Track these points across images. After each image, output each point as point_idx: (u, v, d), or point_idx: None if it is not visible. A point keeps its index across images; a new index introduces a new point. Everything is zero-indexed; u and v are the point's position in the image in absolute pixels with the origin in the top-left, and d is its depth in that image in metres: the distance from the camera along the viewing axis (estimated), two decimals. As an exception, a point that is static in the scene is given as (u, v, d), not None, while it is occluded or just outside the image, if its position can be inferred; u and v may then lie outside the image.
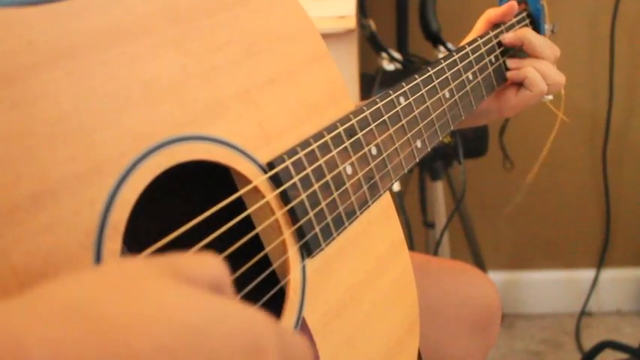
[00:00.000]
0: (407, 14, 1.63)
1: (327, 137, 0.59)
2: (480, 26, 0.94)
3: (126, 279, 0.33)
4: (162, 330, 0.32)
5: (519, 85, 0.91)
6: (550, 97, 0.94)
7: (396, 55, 1.52)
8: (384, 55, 1.52)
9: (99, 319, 0.30)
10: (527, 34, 0.90)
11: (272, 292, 0.54)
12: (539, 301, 2.08)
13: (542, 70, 0.89)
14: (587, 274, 2.03)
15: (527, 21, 0.98)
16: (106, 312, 0.31)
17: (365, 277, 0.63)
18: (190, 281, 0.35)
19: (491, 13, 0.93)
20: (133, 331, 0.31)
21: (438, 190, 1.67)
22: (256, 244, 0.54)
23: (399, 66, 1.51)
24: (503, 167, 1.72)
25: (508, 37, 0.90)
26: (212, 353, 0.33)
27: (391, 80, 1.47)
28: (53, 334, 0.29)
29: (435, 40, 1.47)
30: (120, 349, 0.30)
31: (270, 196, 0.54)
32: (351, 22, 1.12)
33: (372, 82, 1.48)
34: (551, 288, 2.08)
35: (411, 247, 1.57)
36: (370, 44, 1.54)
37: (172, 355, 0.31)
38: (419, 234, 1.76)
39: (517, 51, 0.92)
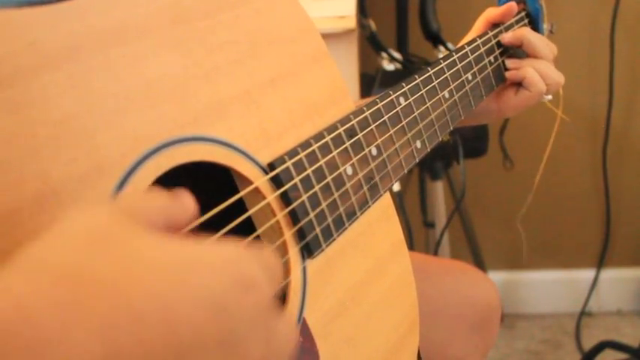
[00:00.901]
0: (407, 14, 1.63)
1: (328, 138, 0.59)
2: (479, 26, 0.94)
3: (100, 235, 0.35)
4: (152, 276, 0.33)
5: (518, 85, 0.91)
6: (549, 97, 0.94)
7: (396, 55, 1.52)
8: (384, 55, 1.52)
9: (91, 280, 0.32)
10: (526, 33, 0.90)
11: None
12: (539, 301, 2.08)
13: (541, 70, 0.89)
14: (587, 274, 2.03)
15: (526, 21, 0.98)
16: (94, 270, 0.32)
17: (365, 277, 0.64)
18: (148, 222, 0.37)
19: (491, 13, 0.93)
20: (130, 288, 0.32)
21: (438, 190, 1.67)
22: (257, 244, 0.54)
23: (399, 66, 1.51)
24: (503, 167, 1.72)
25: (507, 37, 0.91)
26: (204, 291, 0.34)
27: (391, 80, 1.47)
28: (62, 310, 0.30)
29: (435, 40, 1.47)
30: (117, 304, 0.31)
31: (271, 197, 0.54)
32: (351, 22, 1.12)
33: (372, 82, 1.48)
34: (551, 288, 2.08)
35: (411, 247, 1.57)
36: (370, 44, 1.54)
37: (167, 298, 0.33)
38: (419, 234, 1.76)
39: (516, 51, 0.92)
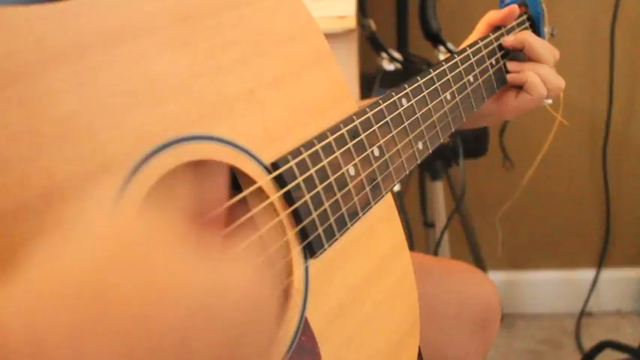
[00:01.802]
0: (407, 14, 1.63)
1: (331, 138, 0.60)
2: (480, 28, 0.95)
3: (128, 245, 0.34)
4: (177, 308, 0.32)
5: (519, 88, 0.91)
6: (549, 101, 0.94)
7: (396, 55, 1.52)
8: (384, 55, 1.52)
9: (113, 304, 0.31)
10: (527, 37, 0.90)
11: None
12: (539, 301, 2.08)
13: (543, 74, 0.89)
14: (587, 274, 2.03)
15: (528, 24, 0.98)
16: (121, 294, 0.31)
17: (367, 277, 0.64)
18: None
19: (492, 16, 0.93)
20: (151, 313, 0.31)
21: (438, 190, 1.67)
22: (260, 243, 0.54)
23: (399, 66, 1.51)
24: (503, 167, 1.72)
25: (509, 40, 0.91)
26: (222, 323, 0.34)
27: (391, 80, 1.47)
28: (68, 320, 0.29)
29: (435, 40, 1.47)
30: (138, 336, 0.30)
31: (275, 196, 0.54)
32: (351, 22, 1.12)
33: (372, 82, 1.48)
34: (551, 288, 2.08)
35: (411, 247, 1.57)
36: (370, 44, 1.54)
37: (186, 330, 0.32)
38: (419, 234, 1.76)
39: (517, 54, 0.92)
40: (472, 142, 1.53)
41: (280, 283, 0.50)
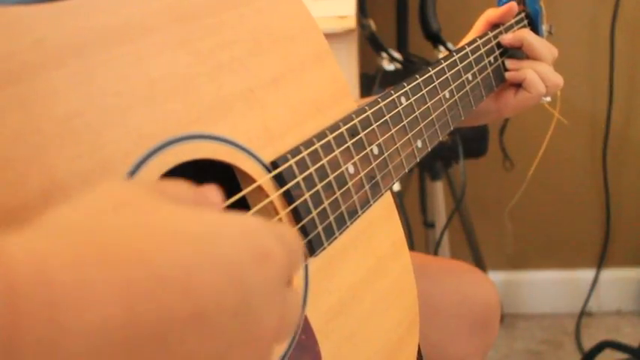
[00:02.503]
0: (407, 14, 1.63)
1: (330, 137, 0.60)
2: (479, 26, 0.95)
3: (127, 202, 0.35)
4: (175, 244, 0.33)
5: (518, 86, 0.91)
6: (548, 98, 0.94)
7: (396, 55, 1.52)
8: (384, 55, 1.52)
9: (114, 243, 0.32)
10: (526, 35, 0.90)
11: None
12: (539, 301, 2.08)
13: (541, 72, 0.89)
14: (587, 274, 2.03)
15: (526, 22, 0.98)
16: (118, 234, 0.32)
17: (366, 275, 0.64)
18: (176, 199, 0.37)
19: (491, 14, 0.93)
20: (152, 254, 0.32)
21: (438, 190, 1.67)
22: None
23: (399, 66, 1.51)
24: (503, 167, 1.72)
25: (507, 38, 0.91)
26: (224, 260, 0.34)
27: (391, 80, 1.47)
28: (80, 272, 0.30)
29: (435, 40, 1.47)
30: (140, 268, 0.31)
31: (274, 195, 0.54)
32: (351, 22, 1.13)
33: (372, 82, 1.49)
34: (551, 288, 2.08)
35: (411, 247, 1.57)
36: (370, 44, 1.54)
37: (189, 266, 0.33)
38: (419, 234, 1.76)
39: (515, 52, 0.93)
40: (472, 142, 1.53)
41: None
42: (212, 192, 0.40)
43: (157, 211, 0.35)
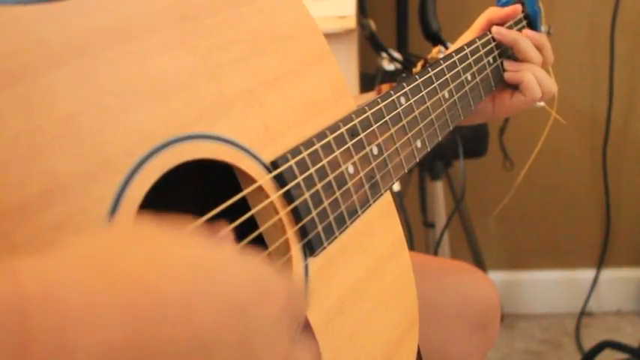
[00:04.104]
0: (407, 14, 1.63)
1: (330, 137, 0.60)
2: (479, 24, 0.94)
3: (133, 233, 0.36)
4: (179, 273, 0.34)
5: (514, 88, 0.91)
6: (542, 103, 0.95)
7: (396, 55, 1.52)
8: (384, 55, 1.52)
9: (122, 269, 0.33)
10: (517, 36, 0.90)
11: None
12: (539, 301, 2.09)
13: (539, 77, 0.90)
14: (587, 274, 2.03)
15: (525, 22, 0.98)
16: (127, 261, 0.33)
17: (366, 275, 0.64)
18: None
19: (494, 13, 0.93)
20: (157, 281, 0.33)
21: (438, 190, 1.67)
22: (259, 242, 0.55)
23: (399, 66, 1.51)
24: (503, 167, 1.72)
25: (500, 32, 0.90)
26: (226, 294, 0.35)
27: (391, 80, 1.47)
28: (87, 296, 0.31)
29: (435, 40, 1.47)
30: (145, 294, 0.32)
31: (275, 195, 0.55)
32: (351, 22, 1.13)
33: (372, 82, 1.49)
34: (551, 288, 2.08)
35: (411, 247, 1.57)
36: (370, 44, 1.54)
37: (191, 295, 0.34)
38: (419, 234, 1.76)
39: (514, 53, 0.93)
40: (472, 142, 1.53)
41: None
42: (222, 228, 0.41)
43: (162, 240, 0.36)
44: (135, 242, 0.35)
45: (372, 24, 1.53)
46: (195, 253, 0.36)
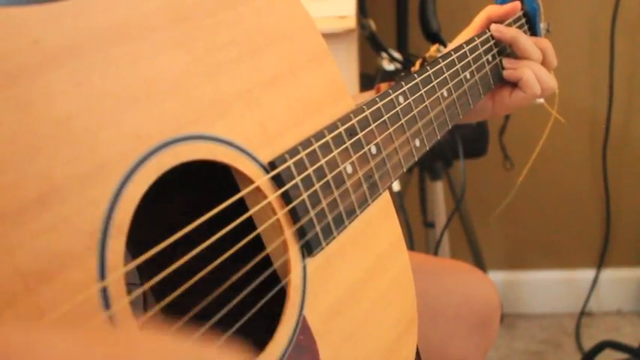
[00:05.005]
0: (407, 14, 1.63)
1: (328, 137, 0.60)
2: (478, 22, 0.94)
3: (95, 334, 0.35)
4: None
5: (513, 86, 0.91)
6: (541, 100, 0.95)
7: (396, 55, 1.52)
8: (384, 55, 1.52)
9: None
10: (515, 33, 0.90)
11: (273, 292, 0.54)
12: (539, 301, 2.09)
13: (537, 73, 0.89)
14: (587, 274, 2.03)
15: (524, 20, 0.98)
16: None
17: (364, 275, 0.64)
18: None
19: (493, 11, 0.93)
20: None
21: (438, 190, 1.67)
22: (257, 242, 0.55)
23: (399, 66, 1.51)
24: (503, 167, 1.72)
25: (498, 30, 0.90)
26: None
27: (391, 80, 1.47)
28: None
29: (435, 40, 1.47)
30: None
31: (273, 196, 0.54)
32: (351, 22, 1.13)
33: (372, 83, 1.49)
34: (551, 288, 2.08)
35: (411, 247, 1.57)
36: (370, 44, 1.54)
37: None
38: (419, 234, 1.76)
39: (513, 51, 0.92)
40: (472, 142, 1.53)
41: None
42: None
43: (128, 335, 0.36)
44: (100, 337, 0.34)
45: (372, 24, 1.53)
46: (167, 344, 0.35)
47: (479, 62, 0.86)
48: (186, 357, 0.35)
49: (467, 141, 1.51)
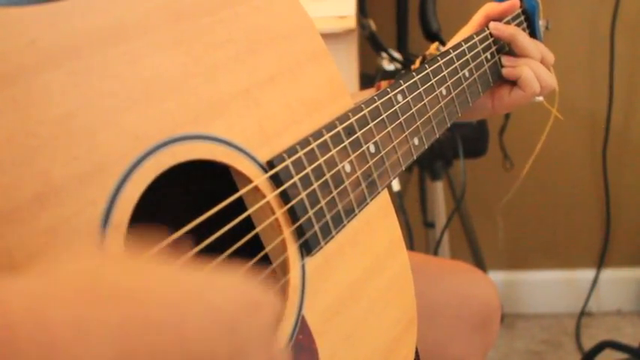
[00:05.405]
0: (407, 14, 1.63)
1: (327, 136, 0.60)
2: (477, 20, 0.94)
3: (117, 257, 0.37)
4: (170, 290, 0.34)
5: (512, 84, 0.91)
6: (541, 98, 0.94)
7: (396, 55, 1.52)
8: (384, 55, 1.52)
9: (110, 284, 0.32)
10: (514, 31, 0.90)
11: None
12: (539, 301, 2.08)
13: (536, 71, 0.89)
14: (587, 274, 2.03)
15: (523, 17, 0.98)
16: (114, 277, 0.33)
17: (363, 274, 0.64)
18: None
19: (492, 9, 0.93)
20: (147, 297, 0.33)
21: (438, 190, 1.67)
22: (256, 242, 0.55)
23: (399, 66, 1.51)
24: (503, 167, 1.72)
25: (498, 28, 0.90)
26: (217, 310, 0.35)
27: (391, 79, 1.47)
28: (76, 313, 0.30)
29: (435, 40, 1.47)
30: (134, 308, 0.32)
31: (271, 196, 0.54)
32: (351, 22, 1.12)
33: (371, 82, 1.48)
34: (551, 288, 2.08)
35: (411, 247, 1.57)
36: (370, 44, 1.54)
37: (183, 312, 0.34)
38: (419, 234, 1.76)
39: (512, 49, 0.92)
40: (472, 142, 1.53)
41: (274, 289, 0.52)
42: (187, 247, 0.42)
43: (156, 270, 0.36)
44: (121, 261, 0.35)
45: (372, 24, 1.53)
46: (183, 272, 0.37)
47: (478, 60, 0.85)
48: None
49: (467, 140, 1.51)
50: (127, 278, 0.33)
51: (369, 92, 0.93)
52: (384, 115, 0.66)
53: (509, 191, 1.82)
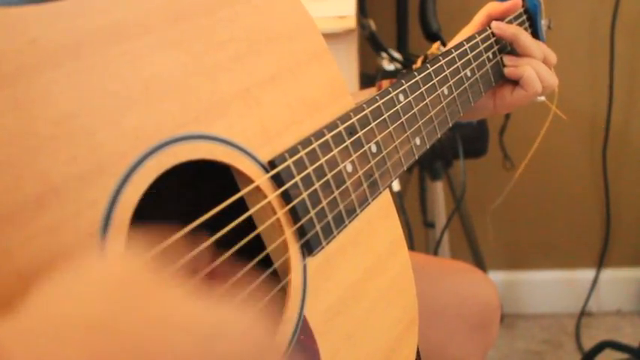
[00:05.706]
0: (407, 14, 1.63)
1: (328, 136, 0.60)
2: (479, 19, 0.94)
3: (121, 284, 0.34)
4: (180, 344, 0.32)
5: (514, 84, 0.91)
6: (543, 98, 0.94)
7: (396, 55, 1.52)
8: (384, 55, 1.52)
9: (118, 335, 0.31)
10: (516, 31, 0.90)
11: (273, 292, 0.54)
12: (539, 301, 2.08)
13: (538, 71, 0.89)
14: (587, 274, 2.03)
15: (525, 17, 0.98)
16: (122, 327, 0.31)
17: (365, 274, 0.64)
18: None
19: (494, 8, 0.92)
20: (155, 348, 0.31)
21: (438, 190, 1.67)
22: (257, 242, 0.54)
23: (399, 66, 1.51)
24: (503, 167, 1.72)
25: (499, 27, 0.90)
26: (228, 354, 0.34)
27: (392, 79, 1.47)
28: (73, 356, 0.29)
29: (435, 40, 1.47)
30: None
31: (272, 196, 0.54)
32: (351, 22, 1.12)
33: (372, 82, 1.48)
34: (551, 288, 2.08)
35: (411, 247, 1.57)
36: (370, 44, 1.54)
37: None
38: (419, 234, 1.76)
39: (514, 48, 0.92)
40: (472, 142, 1.53)
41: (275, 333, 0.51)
42: (203, 241, 0.39)
43: (156, 297, 0.34)
44: (126, 296, 0.32)
45: (372, 24, 1.53)
46: (194, 313, 0.34)
47: (479, 60, 0.85)
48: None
49: (467, 141, 1.50)
50: (134, 321, 0.32)
51: (370, 92, 0.93)
52: (385, 115, 0.66)
53: (508, 191, 1.82)
